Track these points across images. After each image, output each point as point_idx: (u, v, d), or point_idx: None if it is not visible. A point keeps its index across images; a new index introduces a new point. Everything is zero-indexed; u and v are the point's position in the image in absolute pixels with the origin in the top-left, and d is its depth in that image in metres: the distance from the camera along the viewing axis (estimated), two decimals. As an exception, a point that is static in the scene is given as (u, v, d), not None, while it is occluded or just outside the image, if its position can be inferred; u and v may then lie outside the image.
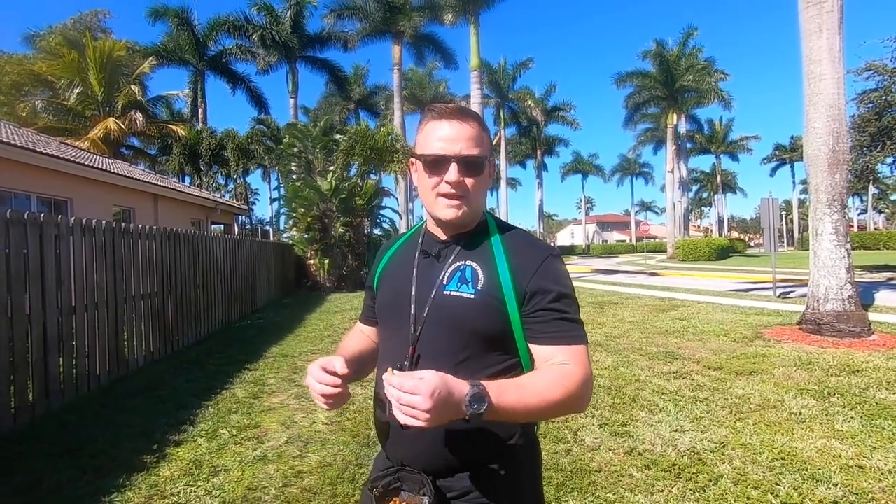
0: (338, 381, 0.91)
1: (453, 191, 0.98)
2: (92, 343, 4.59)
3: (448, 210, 0.99)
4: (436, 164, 0.98)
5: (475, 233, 1.05)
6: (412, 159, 1.06)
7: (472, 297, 0.96)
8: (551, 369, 0.93)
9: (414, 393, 0.76)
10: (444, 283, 1.00)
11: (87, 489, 2.70)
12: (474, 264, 1.00)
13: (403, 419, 0.77)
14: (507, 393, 0.84)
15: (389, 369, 0.85)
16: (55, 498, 2.61)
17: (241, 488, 2.72)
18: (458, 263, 1.02)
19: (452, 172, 0.97)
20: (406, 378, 0.79)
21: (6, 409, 3.53)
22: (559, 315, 0.95)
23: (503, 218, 42.22)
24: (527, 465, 1.03)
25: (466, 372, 0.89)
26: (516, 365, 1.00)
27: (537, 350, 0.96)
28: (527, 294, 0.96)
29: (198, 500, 2.62)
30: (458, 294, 0.97)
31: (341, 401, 0.94)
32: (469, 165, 0.98)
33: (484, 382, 0.82)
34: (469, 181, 0.99)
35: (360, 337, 1.23)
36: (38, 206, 8.83)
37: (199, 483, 2.79)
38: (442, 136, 0.98)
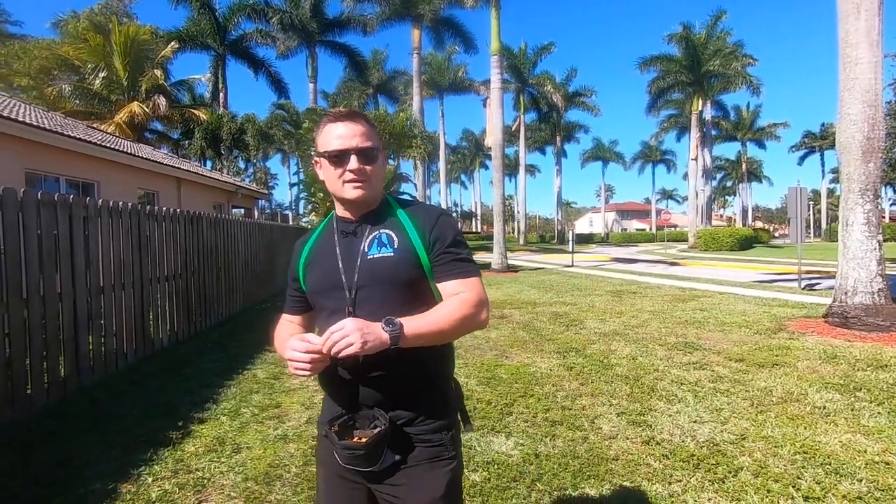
0: (318, 348, 1.03)
1: (356, 177, 1.18)
2: (119, 322, 4.72)
3: (355, 190, 1.19)
4: (338, 158, 1.18)
5: (380, 210, 1.25)
6: (316, 158, 1.24)
7: (392, 254, 1.17)
8: (452, 298, 1.17)
9: (339, 328, 1.00)
10: (366, 250, 1.19)
11: (116, 463, 2.81)
12: (387, 231, 1.21)
13: (339, 347, 0.98)
14: (415, 319, 1.08)
15: None
16: (88, 472, 2.72)
17: (263, 465, 2.79)
18: (373, 233, 1.20)
19: (353, 162, 1.17)
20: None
21: (40, 385, 3.67)
22: (454, 256, 1.19)
23: (521, 205, 42.28)
24: (453, 397, 1.27)
25: None
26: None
27: (443, 287, 1.19)
28: (430, 243, 1.19)
29: (221, 475, 2.70)
30: (380, 255, 1.17)
31: (322, 366, 1.07)
32: (366, 155, 1.18)
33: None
34: (368, 168, 1.19)
35: (291, 327, 1.36)
36: (67, 189, 9.07)
37: (223, 459, 2.88)
38: (339, 134, 1.18)
